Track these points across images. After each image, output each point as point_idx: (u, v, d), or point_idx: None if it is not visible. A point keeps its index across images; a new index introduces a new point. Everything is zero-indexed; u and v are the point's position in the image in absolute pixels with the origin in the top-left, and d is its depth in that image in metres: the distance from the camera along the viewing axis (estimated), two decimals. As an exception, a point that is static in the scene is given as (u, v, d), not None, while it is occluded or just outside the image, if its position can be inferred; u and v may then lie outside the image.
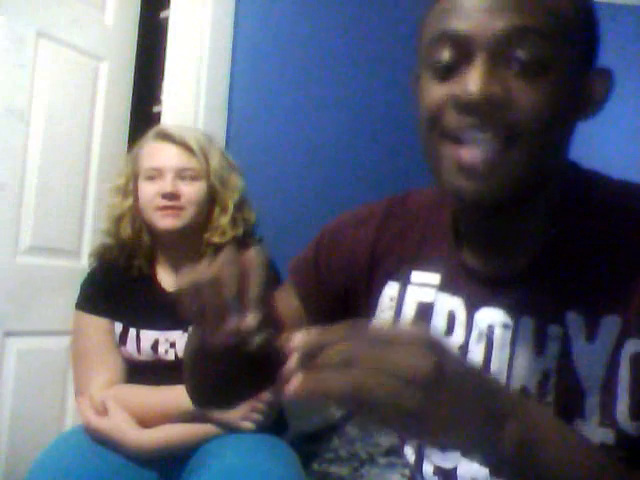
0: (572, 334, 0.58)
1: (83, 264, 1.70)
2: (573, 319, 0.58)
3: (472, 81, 0.52)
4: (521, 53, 0.52)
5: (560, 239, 0.61)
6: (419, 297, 0.68)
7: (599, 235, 0.59)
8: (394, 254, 0.71)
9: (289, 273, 0.80)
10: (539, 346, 0.59)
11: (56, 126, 1.69)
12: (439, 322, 0.66)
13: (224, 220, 1.29)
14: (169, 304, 1.29)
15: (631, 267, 0.57)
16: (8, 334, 1.59)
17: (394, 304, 0.70)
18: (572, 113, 0.58)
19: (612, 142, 1.92)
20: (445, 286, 0.67)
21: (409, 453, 0.71)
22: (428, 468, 0.68)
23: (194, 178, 1.27)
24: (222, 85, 1.84)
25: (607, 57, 1.97)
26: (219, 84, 1.83)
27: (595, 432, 0.57)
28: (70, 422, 1.68)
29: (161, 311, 1.28)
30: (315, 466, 1.40)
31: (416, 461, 0.70)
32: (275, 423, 1.26)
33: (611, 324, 0.57)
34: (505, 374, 0.61)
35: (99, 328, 1.27)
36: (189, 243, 1.31)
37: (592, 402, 0.57)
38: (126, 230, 1.30)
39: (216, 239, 1.28)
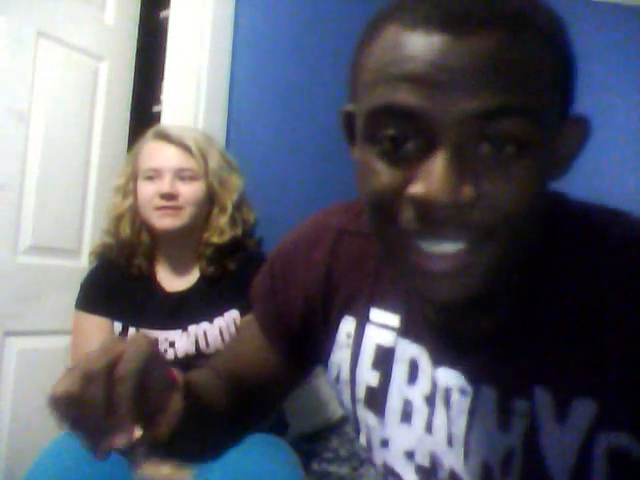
0: (540, 412, 0.50)
1: (83, 264, 1.70)
2: (541, 395, 0.51)
3: (434, 179, 0.42)
4: (497, 139, 0.42)
5: (531, 304, 0.52)
6: (378, 339, 0.61)
7: (576, 304, 0.50)
8: (350, 284, 0.63)
9: (251, 301, 0.75)
10: (502, 420, 0.52)
11: (56, 126, 1.70)
12: (401, 369, 0.60)
13: (223, 220, 1.29)
14: (168, 304, 1.31)
15: (610, 346, 0.48)
16: (8, 334, 1.59)
17: (351, 342, 0.63)
18: (546, 185, 0.48)
19: (612, 142, 1.91)
20: (405, 331, 0.59)
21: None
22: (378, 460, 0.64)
23: (192, 178, 1.28)
24: (222, 85, 1.84)
25: (607, 57, 1.98)
26: (219, 84, 1.83)
27: None
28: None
29: (160, 311, 1.28)
30: (315, 466, 1.40)
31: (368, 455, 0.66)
32: (275, 423, 1.26)
33: (584, 408, 0.49)
34: (463, 443, 0.55)
35: (99, 328, 1.27)
36: (188, 243, 1.31)
37: None
38: (125, 230, 1.30)
39: (215, 239, 1.28)
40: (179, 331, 1.26)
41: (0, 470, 1.55)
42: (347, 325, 0.64)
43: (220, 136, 1.76)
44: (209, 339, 1.26)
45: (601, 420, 0.48)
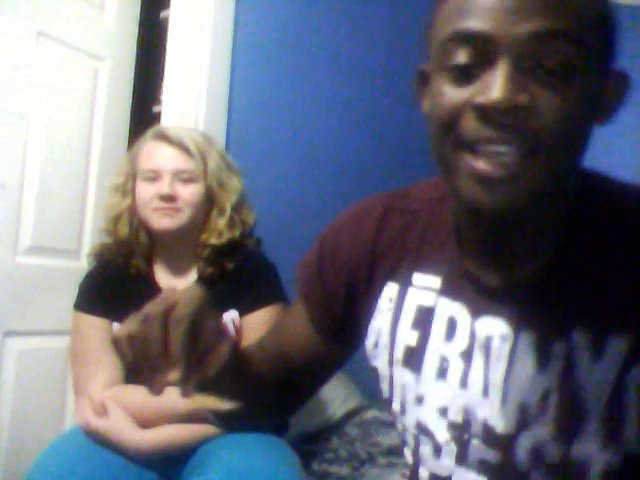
0: (576, 353, 0.56)
1: (83, 264, 1.70)
2: (579, 337, 0.56)
3: (495, 87, 0.49)
4: (547, 58, 0.49)
5: (570, 252, 0.58)
6: (419, 300, 0.66)
7: (612, 250, 0.56)
8: (394, 253, 0.69)
9: (296, 282, 0.80)
10: (541, 362, 0.57)
11: (56, 126, 1.70)
12: (439, 327, 0.64)
13: (221, 222, 1.29)
14: None
15: (637, 288, 0.54)
16: (8, 334, 1.59)
17: (393, 305, 0.68)
18: (592, 118, 0.55)
19: (612, 141, 1.91)
20: (446, 290, 0.64)
21: (408, 455, 0.71)
22: (424, 473, 0.67)
23: (191, 180, 1.27)
24: (222, 85, 1.84)
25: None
26: (219, 84, 1.83)
27: (598, 454, 0.55)
28: (70, 422, 1.68)
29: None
30: (315, 466, 1.40)
31: (413, 465, 0.69)
32: (275, 423, 1.26)
33: (619, 345, 0.54)
34: (501, 387, 0.59)
35: (98, 328, 1.27)
36: (186, 244, 1.31)
37: (595, 424, 0.55)
38: (124, 229, 1.30)
39: (213, 240, 1.28)
40: None
41: (0, 469, 1.55)
42: (390, 291, 0.69)
43: (220, 136, 1.76)
44: None
45: (634, 355, 0.53)
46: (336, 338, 0.76)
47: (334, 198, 1.82)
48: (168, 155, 1.28)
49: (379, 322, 0.70)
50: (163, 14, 2.05)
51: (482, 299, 0.61)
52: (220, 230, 1.28)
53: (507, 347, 0.59)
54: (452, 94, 0.52)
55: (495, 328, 0.60)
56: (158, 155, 1.28)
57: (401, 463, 1.32)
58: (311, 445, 1.47)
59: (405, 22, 2.21)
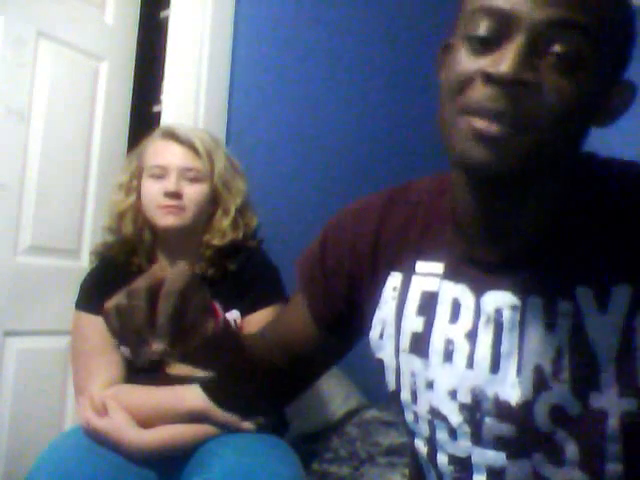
0: (583, 308, 0.58)
1: (83, 264, 1.70)
2: (583, 293, 0.58)
3: (506, 60, 0.52)
4: (559, 45, 0.53)
5: (563, 215, 0.61)
6: (423, 287, 0.68)
7: (602, 208, 0.60)
8: (397, 244, 0.71)
9: (297, 273, 0.81)
10: (550, 324, 0.60)
11: (56, 126, 1.70)
12: (444, 310, 0.66)
13: (225, 223, 1.29)
14: None
15: (635, 237, 0.58)
16: (8, 334, 1.59)
17: (397, 294, 0.70)
18: (592, 116, 0.58)
19: (613, 141, 1.91)
20: (449, 274, 0.67)
21: (421, 446, 0.71)
22: (443, 458, 0.68)
23: (197, 179, 1.28)
24: (222, 85, 1.84)
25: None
26: (219, 84, 1.83)
27: (616, 403, 0.57)
28: (70, 422, 1.68)
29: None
30: (315, 466, 1.40)
31: (429, 453, 0.70)
32: (275, 423, 1.26)
33: (622, 293, 0.57)
34: (516, 355, 0.61)
35: (98, 328, 1.27)
36: (189, 243, 1.31)
37: (609, 373, 0.57)
38: (128, 227, 1.31)
39: (216, 241, 1.28)
40: None
41: (0, 470, 1.54)
42: (394, 280, 0.70)
43: (220, 136, 1.76)
44: None
45: (638, 300, 0.56)
46: (335, 330, 0.77)
47: (334, 198, 1.82)
48: (176, 152, 1.28)
49: (384, 312, 0.71)
50: (163, 14, 2.05)
51: (484, 276, 0.64)
52: (223, 231, 1.29)
53: (516, 316, 0.61)
54: (468, 62, 0.56)
55: (502, 300, 0.62)
56: (166, 152, 1.29)
57: (401, 463, 1.32)
58: (311, 445, 1.48)
59: (406, 20, 2.21)
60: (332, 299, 0.76)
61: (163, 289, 0.55)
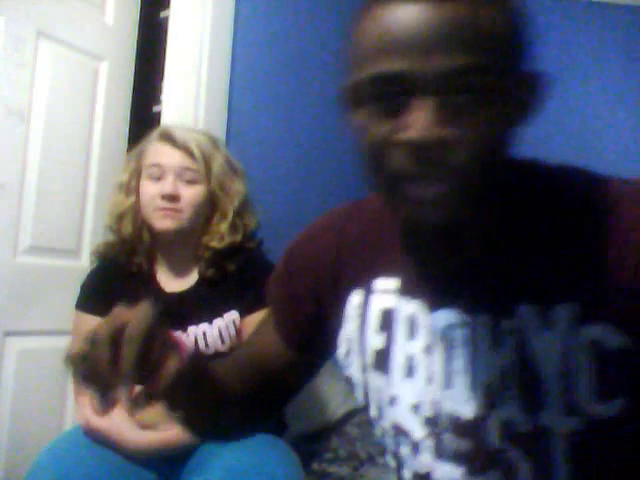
0: (527, 326, 0.58)
1: (83, 264, 1.71)
2: (526, 311, 0.58)
3: (417, 123, 0.51)
4: (466, 90, 0.51)
5: (504, 233, 0.61)
6: (382, 304, 0.68)
7: (543, 224, 0.60)
8: (356, 261, 0.71)
9: (266, 294, 0.83)
10: (496, 342, 0.60)
11: (56, 126, 1.70)
12: (402, 327, 0.67)
13: (223, 226, 1.29)
14: (168, 305, 1.31)
15: (579, 252, 0.57)
16: (8, 334, 1.59)
17: (359, 312, 0.70)
18: (512, 126, 0.57)
19: (612, 140, 1.91)
20: (404, 290, 0.67)
21: (390, 460, 0.72)
22: (407, 474, 0.69)
23: (195, 181, 1.28)
24: (222, 85, 1.84)
25: (608, 57, 1.97)
26: (219, 84, 1.83)
27: (562, 421, 0.57)
28: (70, 422, 1.68)
29: (160, 311, 1.28)
30: (315, 466, 1.40)
31: (396, 468, 0.71)
32: (274, 423, 1.26)
33: (565, 311, 0.57)
34: (467, 372, 0.62)
35: None
36: (187, 245, 1.31)
37: (553, 392, 0.57)
38: (127, 228, 1.31)
39: (214, 243, 1.28)
40: (179, 332, 1.26)
41: (0, 469, 1.55)
42: (355, 298, 0.71)
43: (220, 136, 1.76)
44: (208, 340, 1.26)
45: (582, 317, 0.56)
46: (305, 349, 0.78)
47: (334, 198, 1.82)
48: (172, 155, 1.28)
49: (348, 331, 0.71)
50: (163, 14, 2.05)
51: (435, 293, 0.64)
52: (222, 234, 1.28)
53: (465, 334, 0.62)
54: (377, 128, 0.54)
55: (453, 318, 0.62)
56: (163, 154, 1.29)
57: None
58: (311, 445, 1.48)
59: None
60: (300, 320, 0.77)
61: (125, 334, 0.56)
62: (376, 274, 0.69)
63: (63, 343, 1.58)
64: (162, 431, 1.17)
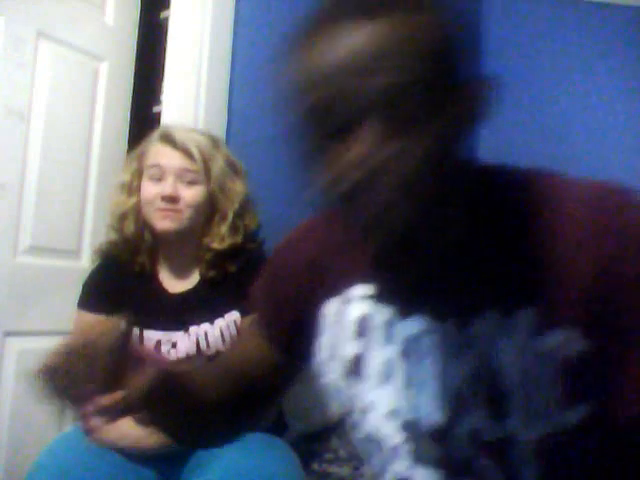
0: (490, 333, 0.58)
1: (83, 264, 1.71)
2: (488, 317, 0.58)
3: (360, 146, 0.51)
4: (398, 109, 0.51)
5: (465, 240, 0.60)
6: (358, 311, 0.68)
7: (502, 230, 0.60)
8: (334, 269, 0.71)
9: (251, 298, 0.83)
10: (461, 350, 0.60)
11: (56, 126, 1.70)
12: (377, 333, 0.66)
13: (223, 228, 1.29)
14: (170, 305, 1.31)
15: (535, 257, 0.57)
16: (8, 334, 1.59)
17: (336, 319, 0.70)
18: (458, 137, 0.56)
19: (612, 139, 1.91)
20: (379, 297, 0.67)
21: (368, 467, 0.74)
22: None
23: (195, 182, 1.27)
24: (222, 85, 1.84)
25: (608, 58, 1.97)
26: (219, 84, 1.83)
27: (526, 429, 0.57)
28: (70, 422, 1.68)
29: (163, 311, 1.28)
30: (315, 466, 1.40)
31: (374, 475, 0.71)
32: (275, 423, 1.26)
33: (525, 317, 0.57)
34: (437, 379, 0.62)
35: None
36: (188, 246, 1.31)
37: (517, 399, 0.57)
38: (130, 227, 1.31)
39: (215, 245, 1.28)
40: (181, 332, 1.26)
41: (0, 469, 1.55)
42: (333, 305, 0.70)
43: (220, 136, 1.76)
44: (210, 340, 1.26)
45: (543, 322, 0.56)
46: (290, 351, 0.78)
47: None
48: (172, 156, 1.28)
49: (325, 338, 0.72)
50: (163, 14, 2.05)
51: (405, 301, 0.64)
52: (222, 235, 1.28)
53: (433, 340, 0.62)
54: (335, 158, 0.54)
55: (420, 325, 0.63)
56: (163, 155, 1.29)
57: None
58: (311, 445, 1.47)
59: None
60: (284, 324, 0.77)
61: (94, 349, 0.59)
62: (353, 281, 0.69)
63: (63, 343, 1.58)
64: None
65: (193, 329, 1.27)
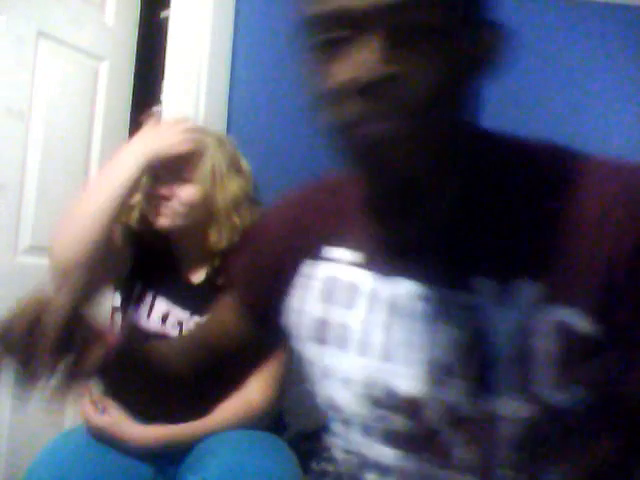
0: (483, 301, 0.55)
1: (83, 264, 1.70)
2: (484, 285, 0.55)
3: (365, 61, 0.50)
4: (411, 26, 0.49)
5: (469, 203, 0.58)
6: (326, 273, 0.66)
7: (510, 198, 0.57)
8: (313, 232, 0.69)
9: (230, 267, 0.82)
10: (449, 316, 0.57)
11: (56, 126, 1.70)
12: (342, 296, 0.64)
13: (222, 225, 1.29)
14: (182, 288, 1.31)
15: (547, 232, 0.54)
16: (8, 334, 1.59)
17: (305, 281, 0.68)
18: (467, 76, 0.55)
19: (611, 139, 1.91)
20: (354, 260, 0.64)
21: (326, 438, 0.70)
22: (339, 452, 0.67)
23: (188, 180, 1.27)
24: (222, 85, 1.84)
25: (607, 57, 1.96)
26: (219, 84, 1.83)
27: (510, 408, 0.54)
28: (70, 422, 1.68)
29: (176, 288, 1.30)
30: (313, 465, 1.40)
31: (330, 446, 0.69)
32: (273, 422, 1.26)
33: (526, 289, 0.54)
34: (411, 346, 0.59)
35: None
36: (191, 244, 1.31)
37: (505, 375, 0.54)
38: (134, 221, 1.32)
39: (218, 245, 1.28)
40: (187, 314, 1.29)
41: (0, 469, 1.55)
42: (306, 268, 0.69)
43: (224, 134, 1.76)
44: None
45: (543, 297, 0.53)
46: (262, 322, 0.76)
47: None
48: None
49: (294, 299, 0.69)
50: (163, 14, 2.05)
51: (391, 263, 0.61)
52: (221, 233, 1.29)
53: (418, 306, 0.59)
54: (326, 73, 0.53)
55: (405, 289, 0.60)
56: None
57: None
58: (309, 444, 1.47)
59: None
60: (260, 291, 0.75)
61: (42, 322, 0.58)
62: (328, 244, 0.67)
63: (63, 343, 1.57)
64: (163, 426, 1.17)
65: (196, 319, 1.28)
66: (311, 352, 0.67)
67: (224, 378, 0.82)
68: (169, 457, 1.19)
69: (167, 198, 1.26)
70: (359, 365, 0.62)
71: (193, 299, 1.29)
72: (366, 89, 0.50)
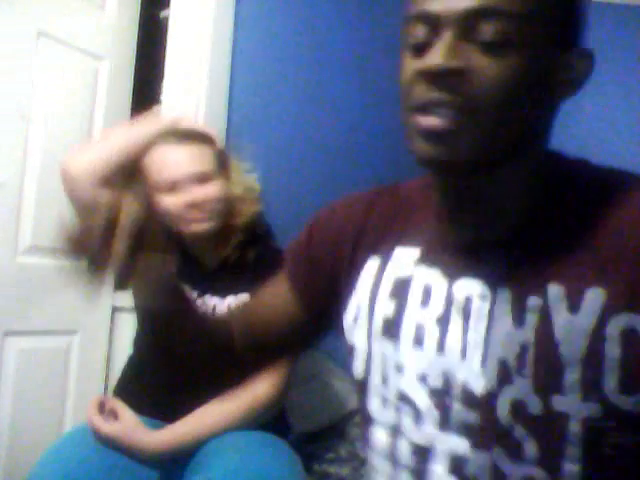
0: (553, 306, 0.58)
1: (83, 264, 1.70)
2: (554, 291, 0.58)
3: (435, 54, 0.56)
4: (484, 31, 0.55)
5: (541, 210, 0.62)
6: (397, 272, 0.69)
7: (582, 208, 0.61)
8: (380, 230, 0.73)
9: (285, 252, 0.84)
10: (518, 317, 0.59)
11: (56, 126, 1.70)
12: (415, 295, 0.67)
13: (238, 209, 1.32)
14: (194, 269, 1.31)
15: (615, 240, 0.57)
16: (8, 334, 1.59)
17: (373, 279, 0.71)
18: (544, 91, 0.59)
19: (611, 139, 1.91)
20: (424, 259, 0.68)
21: (381, 436, 0.70)
22: (404, 447, 0.67)
23: (208, 178, 1.26)
24: (222, 85, 1.84)
25: (607, 57, 1.97)
26: (219, 84, 1.83)
27: (578, 407, 0.57)
28: (70, 422, 1.68)
29: (189, 268, 1.29)
30: (316, 466, 1.40)
31: (390, 443, 0.69)
32: (276, 423, 1.26)
33: (595, 296, 0.56)
34: (482, 346, 0.61)
35: None
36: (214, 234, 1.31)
37: (573, 377, 0.56)
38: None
39: (239, 221, 1.31)
40: (195, 294, 1.29)
41: (0, 470, 1.54)
42: (371, 265, 0.72)
43: (220, 135, 1.76)
44: (216, 314, 1.27)
45: (613, 305, 0.56)
46: (314, 310, 0.79)
47: (334, 196, 1.82)
48: (180, 161, 1.26)
49: (359, 296, 0.72)
50: (163, 14, 2.05)
51: (458, 263, 0.65)
52: (240, 217, 1.31)
53: (485, 306, 0.62)
54: (408, 66, 0.60)
55: (472, 289, 0.63)
56: (171, 164, 1.26)
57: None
58: (312, 445, 1.47)
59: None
60: (314, 281, 0.78)
61: (120, 219, 0.63)
62: (396, 242, 0.71)
63: (63, 343, 1.58)
64: (172, 431, 1.17)
65: (205, 298, 1.28)
66: (383, 348, 0.69)
67: (264, 356, 0.85)
68: (174, 459, 1.18)
69: (198, 203, 1.24)
70: (437, 362, 0.64)
71: (201, 281, 1.30)
72: (435, 77, 0.56)
